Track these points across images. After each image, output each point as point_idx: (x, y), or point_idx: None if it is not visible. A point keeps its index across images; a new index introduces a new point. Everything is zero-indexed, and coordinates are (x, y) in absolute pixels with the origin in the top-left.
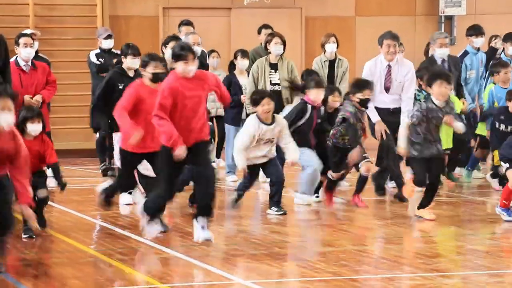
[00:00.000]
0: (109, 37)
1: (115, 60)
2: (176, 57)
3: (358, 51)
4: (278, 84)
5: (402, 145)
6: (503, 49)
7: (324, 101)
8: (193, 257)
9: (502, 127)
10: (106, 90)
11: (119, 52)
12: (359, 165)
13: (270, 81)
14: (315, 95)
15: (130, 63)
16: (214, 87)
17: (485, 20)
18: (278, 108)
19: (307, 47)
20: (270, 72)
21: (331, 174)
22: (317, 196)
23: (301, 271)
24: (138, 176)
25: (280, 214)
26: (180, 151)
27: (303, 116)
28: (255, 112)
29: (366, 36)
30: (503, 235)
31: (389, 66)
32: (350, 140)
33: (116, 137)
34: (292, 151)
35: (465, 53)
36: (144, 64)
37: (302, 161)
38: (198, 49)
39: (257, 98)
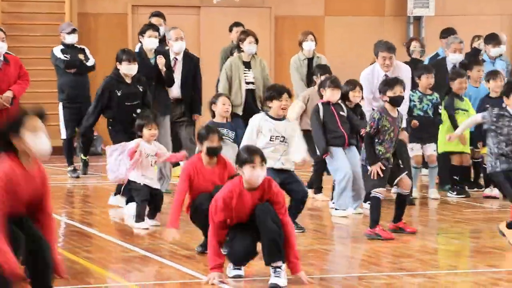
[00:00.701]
0: (73, 31)
1: (81, 56)
2: (242, 162)
3: (327, 50)
4: (252, 83)
5: (458, 132)
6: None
7: (345, 97)
8: (161, 256)
9: None
10: (102, 100)
11: (83, 47)
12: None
13: (245, 80)
14: (329, 95)
15: (126, 69)
16: (275, 204)
17: (453, 21)
18: (254, 107)
19: (276, 46)
20: (244, 70)
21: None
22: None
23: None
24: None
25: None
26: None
27: (318, 115)
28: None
29: (335, 35)
30: (470, 235)
31: (386, 75)
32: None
33: (109, 150)
34: (299, 149)
35: (436, 55)
36: (200, 138)
37: (330, 166)
38: (182, 45)
39: (274, 94)
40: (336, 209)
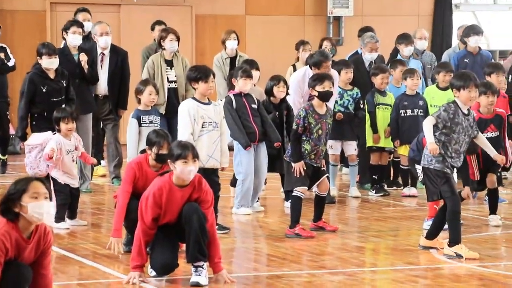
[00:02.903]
0: None
1: (1, 54)
2: (175, 157)
3: (249, 49)
4: (175, 81)
5: (431, 140)
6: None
7: (269, 92)
8: (81, 256)
9: (408, 112)
10: (30, 97)
11: (4, 46)
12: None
13: (167, 78)
14: (241, 85)
15: (47, 63)
16: (203, 202)
17: (371, 21)
18: (177, 106)
19: (197, 45)
20: (167, 69)
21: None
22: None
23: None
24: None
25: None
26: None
27: (232, 107)
28: None
29: (256, 34)
30: (389, 233)
31: None
32: (295, 155)
33: (28, 148)
34: (226, 153)
35: (355, 54)
36: (150, 143)
37: (235, 160)
38: (107, 39)
39: (201, 75)
40: (240, 206)
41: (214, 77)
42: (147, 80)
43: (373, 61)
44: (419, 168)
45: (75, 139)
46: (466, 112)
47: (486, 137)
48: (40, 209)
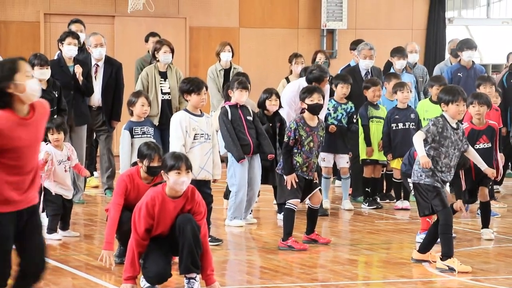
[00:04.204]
0: None
1: None
2: (168, 168)
3: (242, 62)
4: (168, 93)
5: (422, 153)
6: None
7: (262, 105)
8: (74, 267)
9: (400, 125)
10: None
11: None
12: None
13: (161, 90)
14: (237, 96)
15: (38, 74)
16: (196, 214)
17: (364, 34)
18: (170, 117)
19: (191, 57)
20: (160, 80)
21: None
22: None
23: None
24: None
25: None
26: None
27: (227, 119)
28: None
29: (250, 47)
30: (381, 246)
31: None
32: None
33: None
34: (219, 165)
35: (348, 66)
36: (141, 156)
37: (228, 171)
38: (102, 51)
39: (193, 88)
40: (233, 218)
41: (206, 89)
42: (139, 92)
43: (369, 71)
44: (411, 182)
45: (67, 149)
46: (455, 126)
47: (478, 148)
48: (36, 85)
